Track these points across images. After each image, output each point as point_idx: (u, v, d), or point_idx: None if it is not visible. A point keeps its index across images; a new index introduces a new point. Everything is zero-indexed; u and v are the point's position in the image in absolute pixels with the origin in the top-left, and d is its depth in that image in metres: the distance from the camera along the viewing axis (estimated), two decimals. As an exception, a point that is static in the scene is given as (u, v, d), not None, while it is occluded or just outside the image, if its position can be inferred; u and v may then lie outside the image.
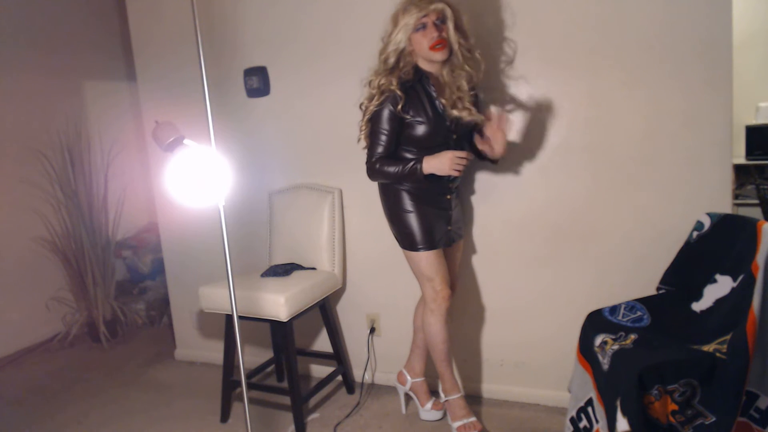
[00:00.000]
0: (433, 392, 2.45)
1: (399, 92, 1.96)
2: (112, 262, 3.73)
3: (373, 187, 2.57)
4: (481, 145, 2.09)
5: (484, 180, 2.40)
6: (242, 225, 2.86)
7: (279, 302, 2.26)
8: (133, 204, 4.00)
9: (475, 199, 2.43)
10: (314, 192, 2.66)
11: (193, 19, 1.74)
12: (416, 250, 2.13)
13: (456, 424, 2.20)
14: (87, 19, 3.99)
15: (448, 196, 2.15)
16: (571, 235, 2.28)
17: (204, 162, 1.77)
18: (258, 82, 2.72)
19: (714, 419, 1.51)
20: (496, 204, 2.39)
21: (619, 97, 2.13)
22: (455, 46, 1.97)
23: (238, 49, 2.76)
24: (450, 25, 1.95)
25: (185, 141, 1.79)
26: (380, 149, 2.03)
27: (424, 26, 1.94)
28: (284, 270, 2.53)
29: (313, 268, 2.61)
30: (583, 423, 1.80)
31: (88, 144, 3.73)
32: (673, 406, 1.54)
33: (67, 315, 3.69)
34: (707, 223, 1.93)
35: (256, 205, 2.83)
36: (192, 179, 1.78)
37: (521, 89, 2.27)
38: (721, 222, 1.89)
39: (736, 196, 4.08)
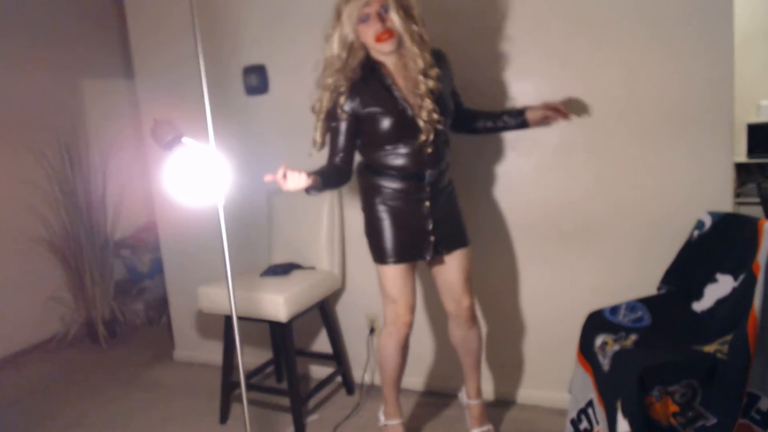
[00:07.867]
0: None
1: (346, 87, 1.85)
2: (111, 261, 3.72)
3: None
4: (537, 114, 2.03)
5: (483, 179, 2.38)
6: (241, 224, 2.84)
7: (278, 302, 2.26)
8: (131, 203, 3.98)
9: (475, 199, 2.41)
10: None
11: (191, 16, 1.73)
12: (380, 263, 1.98)
13: None
14: (85, 16, 3.97)
15: (427, 203, 1.94)
16: (571, 235, 2.27)
17: (203, 161, 1.76)
18: (257, 80, 2.71)
19: (715, 421, 1.51)
20: (495, 204, 2.38)
21: (619, 95, 2.12)
22: (405, 35, 1.80)
23: (236, 47, 2.75)
24: (394, 13, 1.77)
25: (184, 139, 1.78)
26: (335, 150, 1.91)
27: (367, 17, 1.79)
28: (284, 270, 2.52)
29: (313, 268, 2.60)
30: (584, 424, 1.79)
31: (86, 142, 3.72)
32: (674, 408, 1.53)
33: (66, 315, 3.68)
34: (708, 222, 1.92)
35: (256, 204, 2.82)
36: (191, 178, 1.78)
37: (520, 88, 2.26)
38: (722, 221, 1.88)
39: (737, 195, 4.06)
